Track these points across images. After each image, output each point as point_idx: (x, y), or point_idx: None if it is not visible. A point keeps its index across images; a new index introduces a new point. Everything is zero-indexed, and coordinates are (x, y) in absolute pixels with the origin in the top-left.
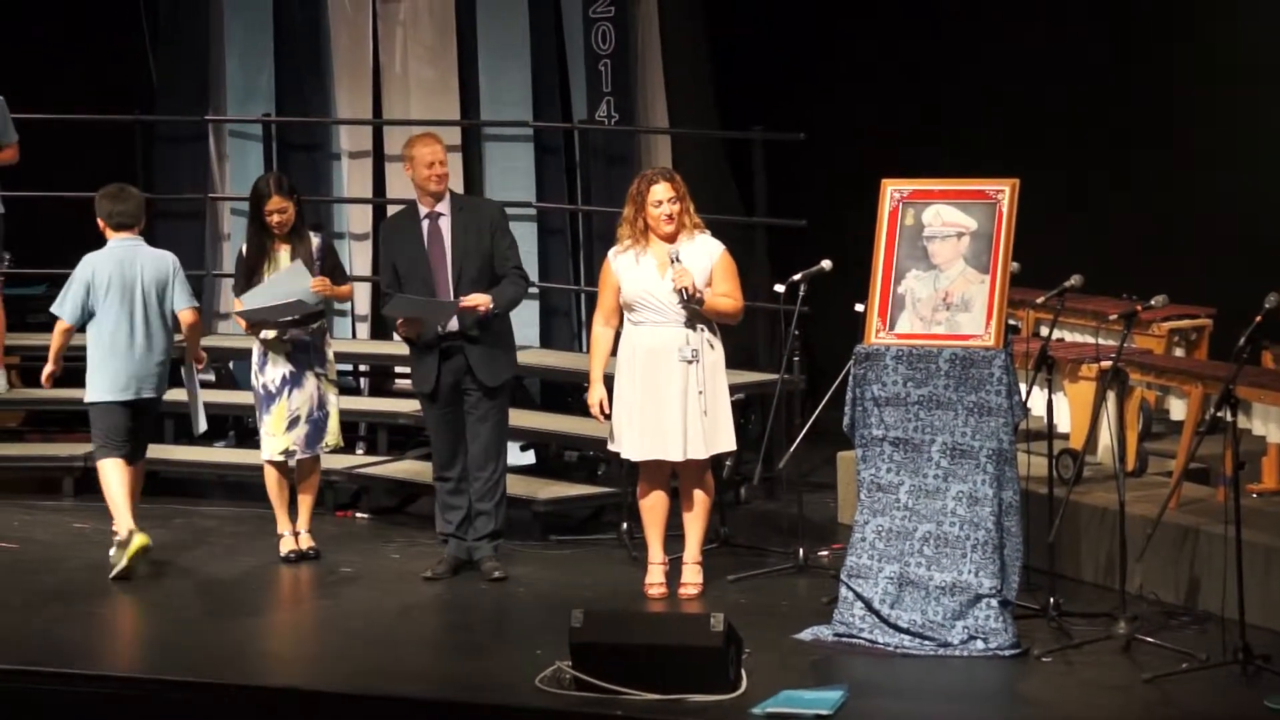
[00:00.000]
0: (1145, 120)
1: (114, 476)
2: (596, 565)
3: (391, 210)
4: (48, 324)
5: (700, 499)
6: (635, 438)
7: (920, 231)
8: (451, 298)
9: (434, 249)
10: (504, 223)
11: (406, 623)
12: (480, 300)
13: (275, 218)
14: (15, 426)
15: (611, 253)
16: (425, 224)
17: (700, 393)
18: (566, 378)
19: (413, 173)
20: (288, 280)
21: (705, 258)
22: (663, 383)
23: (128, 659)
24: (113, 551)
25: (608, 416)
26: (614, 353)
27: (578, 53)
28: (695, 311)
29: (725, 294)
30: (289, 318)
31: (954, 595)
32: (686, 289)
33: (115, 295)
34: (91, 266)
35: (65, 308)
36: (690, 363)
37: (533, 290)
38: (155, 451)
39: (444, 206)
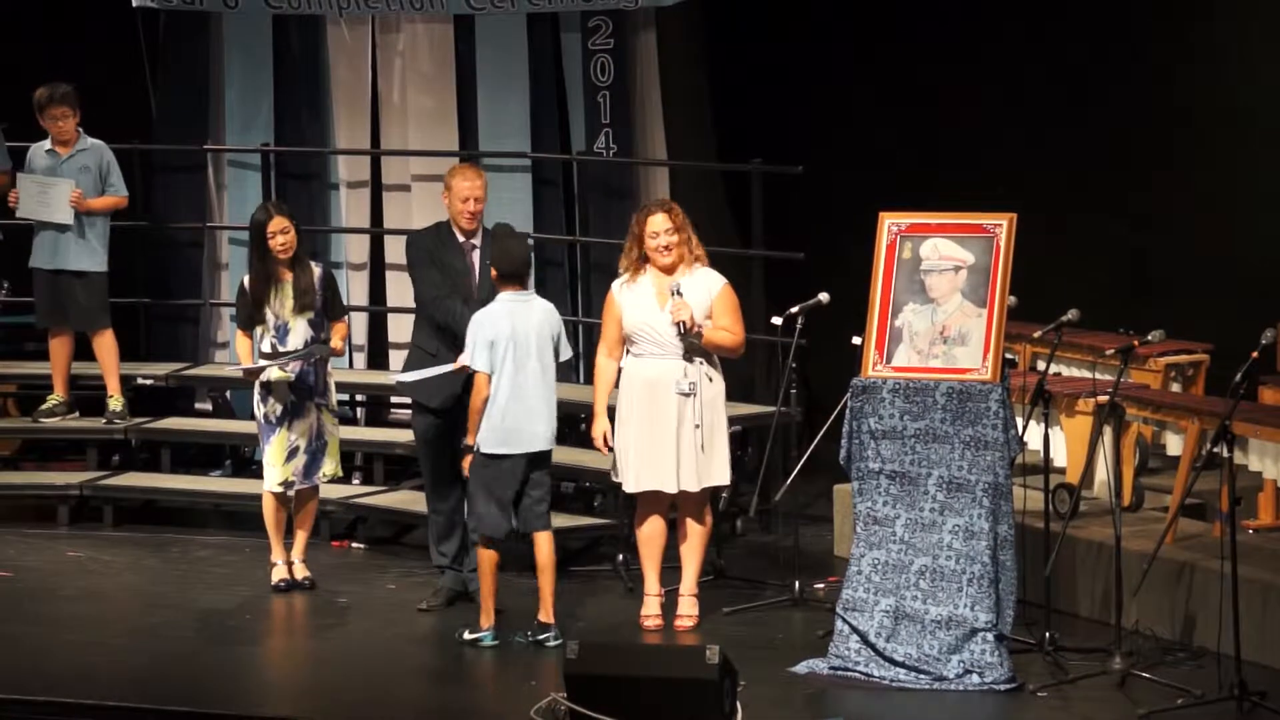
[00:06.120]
0: (1143, 157)
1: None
2: (592, 597)
3: (389, 240)
4: (42, 352)
5: (697, 531)
6: (634, 469)
7: (918, 265)
8: None
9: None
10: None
11: (402, 653)
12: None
13: (279, 239)
14: (10, 455)
15: (615, 285)
16: (463, 246)
17: (697, 426)
18: (563, 409)
19: (449, 202)
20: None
21: (705, 291)
22: (660, 415)
23: (122, 688)
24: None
25: (610, 449)
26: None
27: (576, 84)
28: (694, 345)
29: (725, 328)
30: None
31: (950, 629)
32: (684, 323)
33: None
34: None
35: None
36: (687, 395)
37: None
38: (151, 480)
39: (476, 239)
